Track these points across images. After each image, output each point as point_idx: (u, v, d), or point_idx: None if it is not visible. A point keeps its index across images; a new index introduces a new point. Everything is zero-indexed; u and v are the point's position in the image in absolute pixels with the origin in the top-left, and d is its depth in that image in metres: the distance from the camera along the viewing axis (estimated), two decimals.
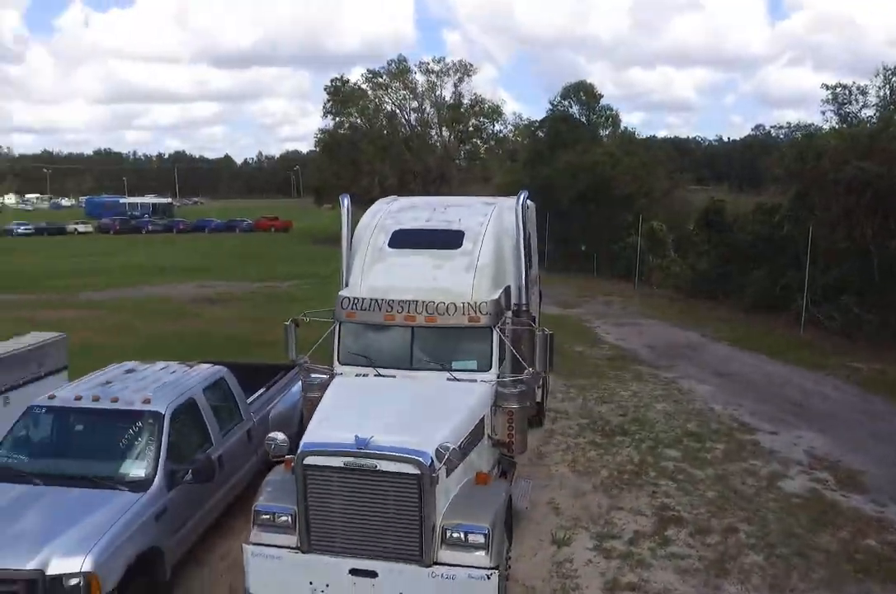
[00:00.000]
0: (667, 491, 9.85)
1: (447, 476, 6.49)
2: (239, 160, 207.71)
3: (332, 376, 8.14)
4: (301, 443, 6.66)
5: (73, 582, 5.85)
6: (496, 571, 6.26)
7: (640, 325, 22.42)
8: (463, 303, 7.84)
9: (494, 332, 7.92)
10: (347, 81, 59.49)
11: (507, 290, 8.50)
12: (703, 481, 10.19)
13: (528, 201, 9.30)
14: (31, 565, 5.83)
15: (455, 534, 6.35)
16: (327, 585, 6.39)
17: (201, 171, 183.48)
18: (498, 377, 7.86)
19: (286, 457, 7.09)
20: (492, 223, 8.72)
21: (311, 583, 6.40)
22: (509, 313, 8.47)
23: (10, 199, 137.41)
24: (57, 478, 6.94)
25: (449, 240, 8.50)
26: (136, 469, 7.08)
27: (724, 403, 13.98)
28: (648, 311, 24.91)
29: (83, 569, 5.88)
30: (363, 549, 6.38)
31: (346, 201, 9.05)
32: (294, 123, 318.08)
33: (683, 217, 34.04)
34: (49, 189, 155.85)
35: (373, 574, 6.31)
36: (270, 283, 30.54)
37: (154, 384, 8.05)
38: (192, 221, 73.41)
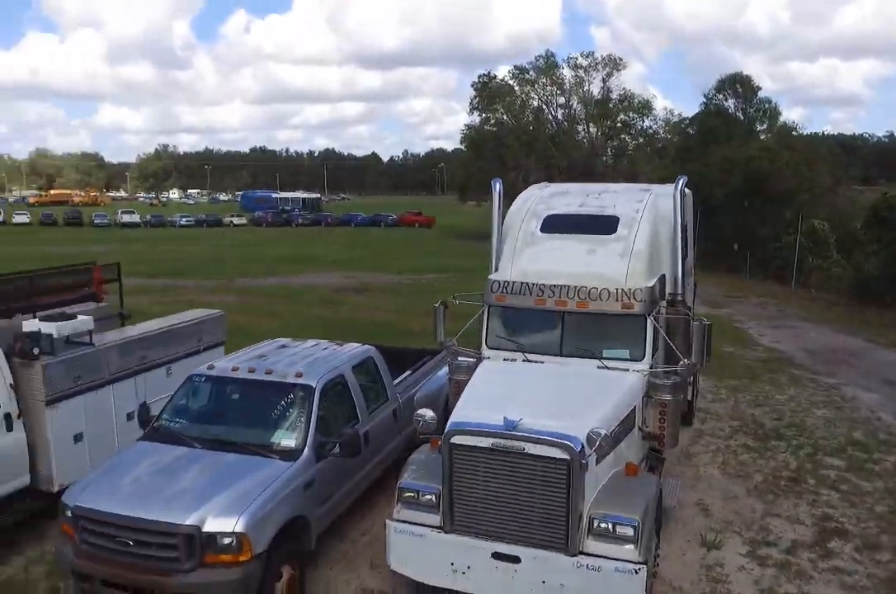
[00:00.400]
0: (829, 501, 9.16)
1: (597, 463, 6.24)
2: (385, 158, 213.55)
3: (480, 360, 8.05)
4: (448, 423, 6.60)
5: (227, 541, 6.06)
6: (644, 566, 5.96)
7: (797, 328, 21.14)
8: (616, 289, 7.54)
9: (649, 320, 7.58)
10: (494, 77, 59.67)
11: (661, 279, 8.11)
12: (870, 494, 9.40)
13: (686, 188, 8.88)
14: (190, 521, 6.08)
15: (603, 525, 6.10)
16: (469, 567, 6.30)
17: (349, 168, 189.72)
18: (651, 367, 7.53)
19: (432, 436, 7.07)
20: (648, 209, 8.36)
21: (452, 563, 6.33)
22: (663, 302, 8.10)
23: (174, 194, 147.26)
24: (213, 443, 7.22)
25: (603, 225, 8.21)
26: (286, 439, 7.26)
27: (895, 414, 12.89)
28: (806, 314, 23.47)
29: (236, 530, 6.08)
30: (507, 533, 6.24)
31: (497, 186, 8.96)
32: (439, 122, 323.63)
33: (848, 216, 31.82)
34: (209, 185, 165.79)
35: (516, 559, 6.16)
36: (414, 276, 31.01)
37: (306, 359, 8.25)
38: (339, 216, 75.85)
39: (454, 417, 6.66)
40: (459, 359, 8.28)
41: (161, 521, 6.11)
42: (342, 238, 54.68)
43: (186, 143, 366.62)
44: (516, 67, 59.50)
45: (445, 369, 9.95)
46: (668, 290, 8.26)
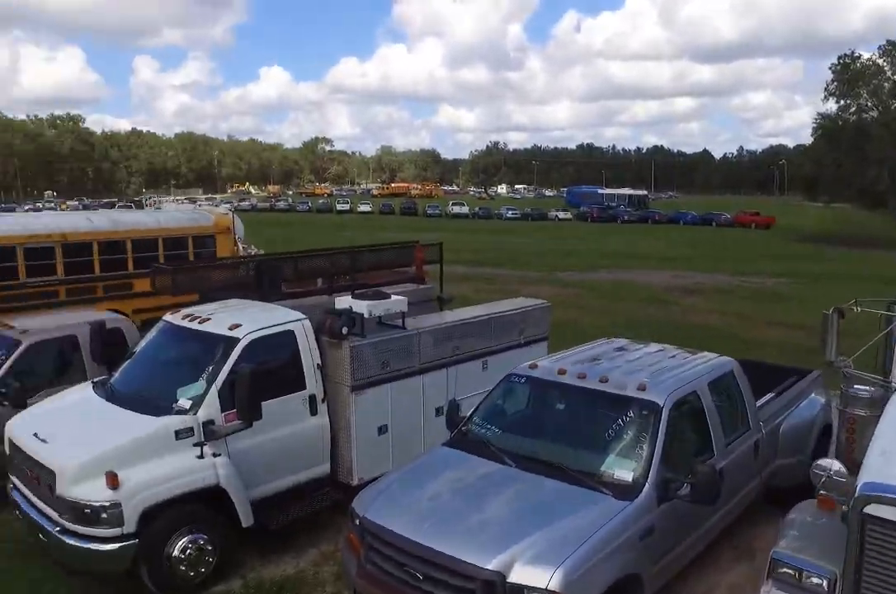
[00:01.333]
0: None
1: None
2: (717, 155, 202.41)
3: (890, 391, 5.77)
4: (859, 483, 4.51)
5: None
6: None
7: None
8: None
9: None
10: (858, 58, 52.11)
11: None
12: None
13: None
14: (492, 565, 4.74)
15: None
16: None
17: (677, 165, 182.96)
18: None
19: (823, 494, 5.03)
20: None
21: None
22: None
23: (501, 189, 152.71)
24: (529, 462, 5.83)
25: None
26: (622, 469, 5.61)
27: None
28: None
29: (549, 587, 4.61)
30: None
31: None
32: (779, 117, 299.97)
33: None
34: (535, 180, 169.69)
35: None
36: (752, 279, 27.64)
37: (650, 368, 6.53)
38: (667, 213, 72.40)
39: (868, 475, 4.53)
40: (856, 387, 6.18)
41: (459, 559, 4.83)
42: (670, 236, 51.64)
43: (515, 141, 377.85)
44: (889, 43, 51.17)
45: (816, 397, 7.97)
46: None
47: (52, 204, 78.90)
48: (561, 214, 73.75)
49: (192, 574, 6.29)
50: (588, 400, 6.24)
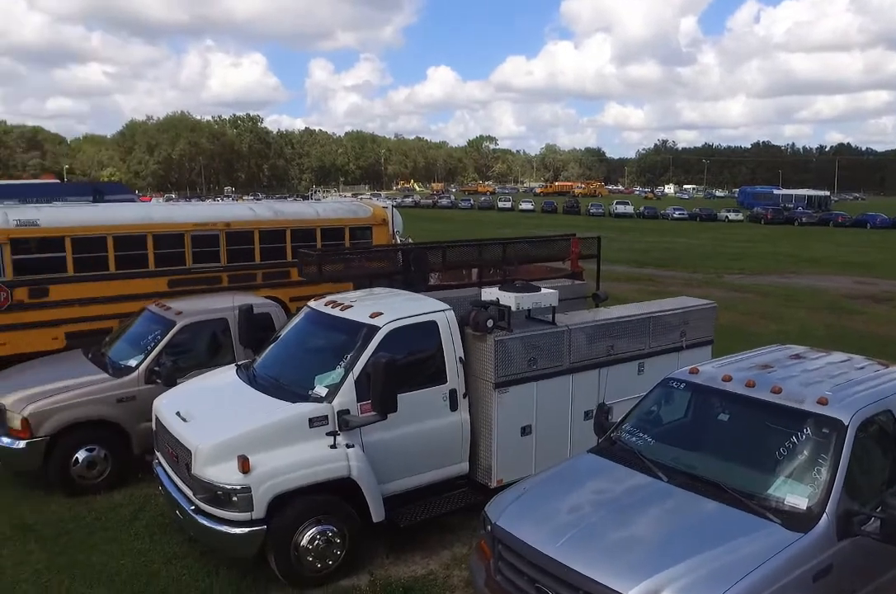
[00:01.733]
0: None
1: None
2: None
3: None
4: None
5: None
6: None
7: None
8: None
9: None
10: None
11: None
12: None
13: None
14: (635, 592, 4.17)
15: None
16: None
17: (866, 164, 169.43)
18: None
19: None
20: None
21: None
22: None
23: (668, 189, 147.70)
24: (685, 478, 5.18)
25: None
26: (794, 494, 4.83)
27: None
28: None
29: None
30: None
31: None
32: None
33: None
34: (705, 180, 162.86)
35: None
36: None
37: (832, 380, 5.66)
38: (853, 216, 66.99)
39: None
40: None
41: (597, 581, 4.31)
42: (855, 240, 47.51)
43: (685, 139, 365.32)
44: None
45: None
46: None
47: (231, 198, 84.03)
48: (732, 215, 69.94)
49: (319, 565, 6.12)
50: (756, 412, 5.47)
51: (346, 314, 6.90)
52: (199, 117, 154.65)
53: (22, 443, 7.70)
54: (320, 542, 6.07)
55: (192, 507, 5.99)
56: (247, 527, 5.77)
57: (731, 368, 5.97)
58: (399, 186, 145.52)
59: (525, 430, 7.16)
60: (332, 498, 6.16)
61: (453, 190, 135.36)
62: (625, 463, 5.50)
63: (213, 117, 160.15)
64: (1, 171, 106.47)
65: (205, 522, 5.87)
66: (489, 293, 7.14)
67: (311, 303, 7.50)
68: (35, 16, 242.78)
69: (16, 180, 43.32)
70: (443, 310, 6.93)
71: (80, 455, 7.91)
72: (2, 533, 7.21)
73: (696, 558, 4.32)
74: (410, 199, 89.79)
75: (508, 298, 6.91)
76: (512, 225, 51.74)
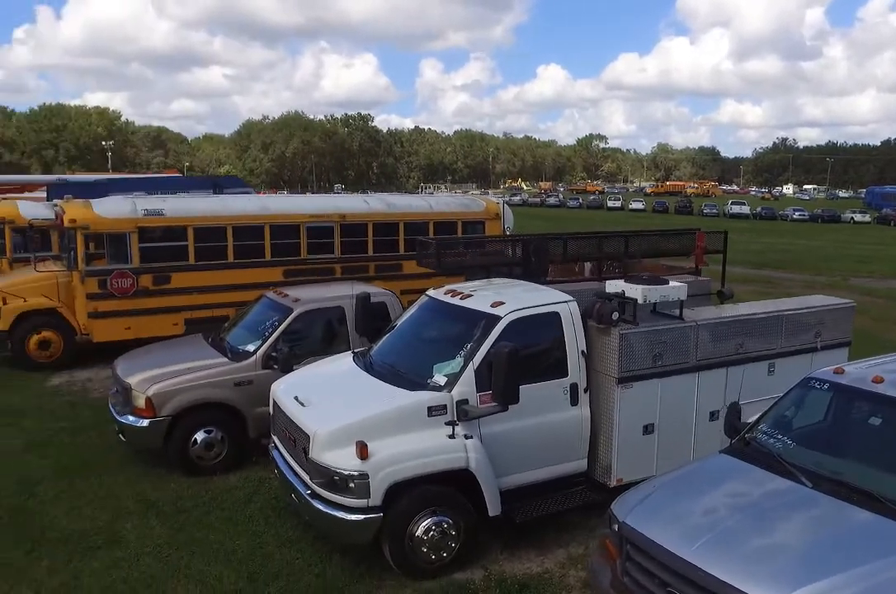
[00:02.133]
0: None
1: None
2: None
3: None
4: None
5: None
6: None
7: None
8: None
9: None
10: None
11: None
12: None
13: None
14: None
15: None
16: None
17: None
18: None
19: None
20: None
21: None
22: None
23: (787, 189, 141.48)
24: (831, 484, 4.78)
25: None
26: None
27: None
28: None
29: None
30: None
31: None
32: None
33: None
34: (828, 180, 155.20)
35: None
36: None
37: None
38: None
39: None
40: None
41: (738, 590, 4.00)
42: None
43: (806, 138, 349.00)
44: None
45: None
46: None
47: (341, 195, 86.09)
48: (857, 216, 66.30)
49: (433, 556, 6.02)
50: None
51: (467, 303, 6.77)
52: (311, 117, 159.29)
53: (145, 422, 7.95)
54: (435, 534, 5.96)
55: (308, 492, 5.99)
56: (363, 513, 5.72)
57: (883, 369, 5.49)
58: (507, 185, 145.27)
59: (647, 429, 6.85)
60: (447, 489, 6.04)
61: (561, 189, 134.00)
62: (762, 466, 5.14)
63: (325, 116, 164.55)
64: (128, 169, 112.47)
65: (320, 507, 5.86)
66: (614, 285, 6.87)
67: (430, 292, 7.42)
68: (163, 23, 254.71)
69: (142, 174, 45.61)
70: (566, 302, 6.71)
71: (199, 436, 8.10)
72: (126, 507, 7.45)
73: (851, 573, 3.95)
74: (518, 198, 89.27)
75: (635, 291, 6.62)
76: (622, 224, 50.69)
